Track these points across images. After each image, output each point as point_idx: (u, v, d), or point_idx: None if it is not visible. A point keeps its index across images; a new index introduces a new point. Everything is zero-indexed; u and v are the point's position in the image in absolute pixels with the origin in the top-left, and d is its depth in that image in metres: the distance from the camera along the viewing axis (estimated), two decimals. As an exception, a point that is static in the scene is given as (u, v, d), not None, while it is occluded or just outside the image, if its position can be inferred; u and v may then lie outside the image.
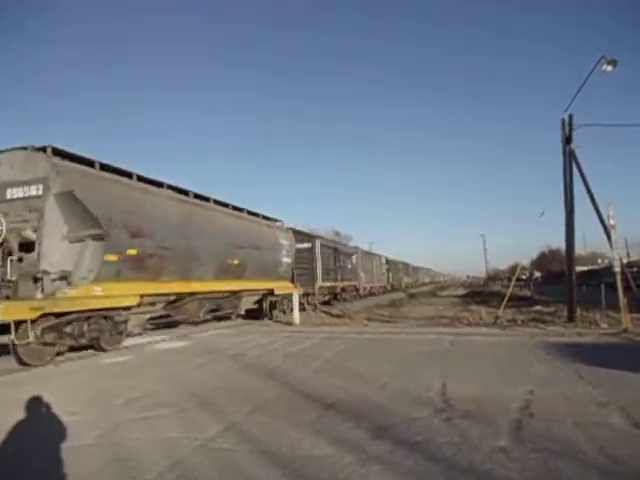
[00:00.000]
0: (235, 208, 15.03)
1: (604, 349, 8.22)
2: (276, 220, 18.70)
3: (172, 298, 11.49)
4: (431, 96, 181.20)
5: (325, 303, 23.86)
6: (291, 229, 19.89)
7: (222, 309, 14.20)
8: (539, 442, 3.50)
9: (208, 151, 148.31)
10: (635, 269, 24.23)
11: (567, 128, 12.63)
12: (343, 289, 27.48)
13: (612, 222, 11.34)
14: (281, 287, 17.31)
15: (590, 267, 48.88)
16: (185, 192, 12.44)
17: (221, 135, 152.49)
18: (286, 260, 17.92)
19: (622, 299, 10.71)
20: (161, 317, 11.90)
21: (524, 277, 51.70)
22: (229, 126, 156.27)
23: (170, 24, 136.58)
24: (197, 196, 12.91)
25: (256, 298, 16.26)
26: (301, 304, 18.38)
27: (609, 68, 11.17)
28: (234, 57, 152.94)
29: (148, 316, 11.03)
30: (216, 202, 13.91)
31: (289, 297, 17.08)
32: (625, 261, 15.65)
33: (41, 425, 4.49)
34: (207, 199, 13.48)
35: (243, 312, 16.00)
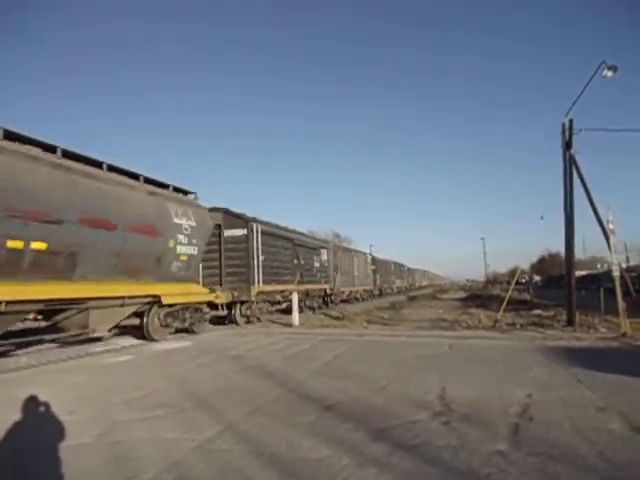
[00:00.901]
0: (68, 155, 8.67)
1: (603, 353, 8.22)
2: (181, 190, 12.27)
3: None
4: (431, 98, 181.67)
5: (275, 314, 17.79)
6: (220, 210, 15.09)
7: (57, 330, 9.12)
8: (538, 446, 3.49)
9: (208, 151, 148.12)
10: (634, 274, 24.25)
11: (567, 133, 12.66)
12: (307, 294, 20.44)
13: (611, 227, 11.35)
14: (178, 293, 11.43)
15: (589, 272, 48.96)
16: None
17: (220, 135, 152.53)
18: (189, 251, 11.69)
19: (621, 304, 10.71)
20: None
21: (524, 281, 51.81)
22: (229, 126, 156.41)
23: (171, 26, 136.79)
24: None
25: (130, 310, 10.13)
26: (220, 318, 14.87)
27: (609, 74, 11.19)
28: (234, 58, 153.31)
29: None
30: (8, 134, 7.58)
31: (200, 307, 12.64)
32: (624, 266, 15.68)
33: (40, 424, 4.48)
34: None
35: (105, 333, 9.86)
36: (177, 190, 12.09)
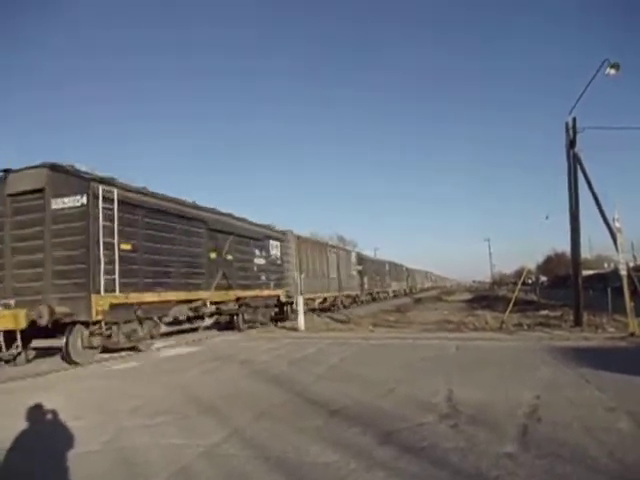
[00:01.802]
0: None
1: (611, 353, 8.16)
2: None
3: None
4: (434, 100, 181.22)
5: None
6: (44, 166, 9.12)
7: None
8: (547, 447, 3.46)
9: (209, 154, 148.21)
10: (642, 272, 24.02)
11: (571, 131, 12.64)
12: (242, 304, 14.18)
13: (618, 225, 11.29)
14: None
15: (597, 271, 48.60)
16: None
17: (223, 140, 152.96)
18: None
19: (629, 303, 10.63)
20: None
21: (530, 281, 51.42)
22: (230, 133, 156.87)
23: (172, 31, 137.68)
24: None
25: None
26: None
27: (612, 71, 11.17)
28: (235, 59, 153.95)
29: None
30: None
31: None
32: (631, 264, 15.58)
33: (48, 431, 4.49)
34: None
35: None
36: None
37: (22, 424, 4.50)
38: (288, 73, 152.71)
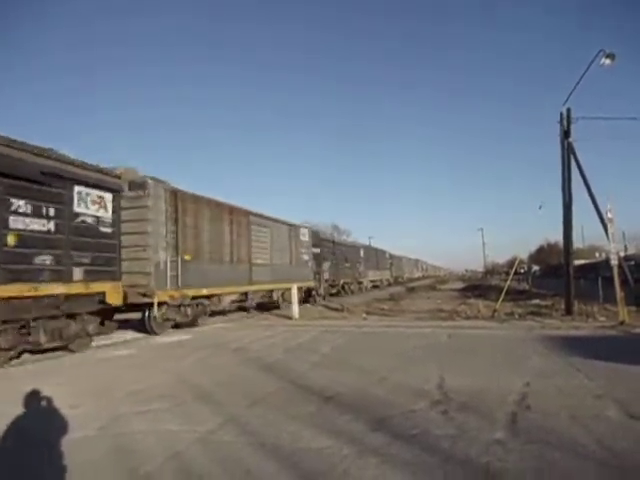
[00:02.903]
0: None
1: (601, 342, 8.27)
2: None
3: None
4: (429, 91, 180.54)
5: None
6: None
7: None
8: (536, 434, 3.53)
9: (207, 141, 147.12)
10: (632, 262, 24.29)
11: (565, 122, 12.66)
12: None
13: (610, 215, 11.38)
14: None
15: (588, 261, 48.98)
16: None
17: (220, 129, 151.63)
18: None
19: (619, 292, 10.77)
20: None
21: (522, 271, 51.68)
22: (228, 120, 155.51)
23: (172, 22, 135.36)
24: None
25: None
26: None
27: (607, 62, 11.15)
28: (234, 52, 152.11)
29: None
30: None
31: None
32: (622, 254, 15.74)
33: (44, 417, 4.52)
34: None
35: None
36: None
37: (18, 410, 4.51)
38: (285, 64, 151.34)
